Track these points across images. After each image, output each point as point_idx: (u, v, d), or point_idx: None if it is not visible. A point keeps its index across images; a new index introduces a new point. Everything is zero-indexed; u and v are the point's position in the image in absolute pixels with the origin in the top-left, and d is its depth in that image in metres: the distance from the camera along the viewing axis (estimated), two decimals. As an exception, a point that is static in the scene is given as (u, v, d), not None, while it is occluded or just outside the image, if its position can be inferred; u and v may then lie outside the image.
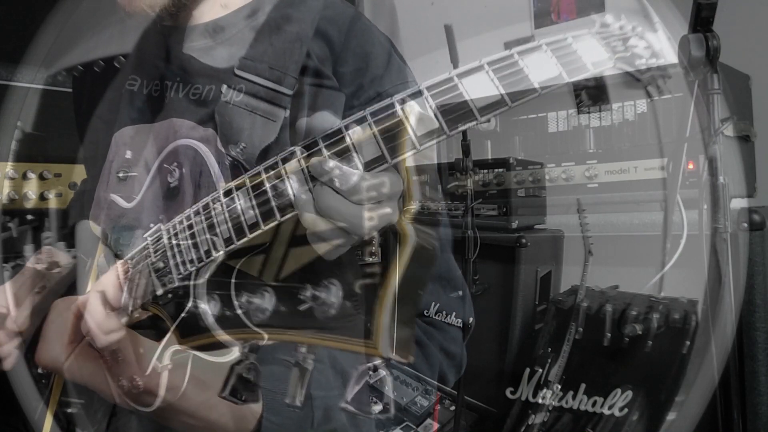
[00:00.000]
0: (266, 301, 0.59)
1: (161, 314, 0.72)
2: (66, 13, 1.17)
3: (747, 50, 1.91)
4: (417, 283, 0.53)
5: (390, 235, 0.53)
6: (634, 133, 1.93)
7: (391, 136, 0.56)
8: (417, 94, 0.56)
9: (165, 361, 0.73)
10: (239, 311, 0.61)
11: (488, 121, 2.14)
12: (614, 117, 1.96)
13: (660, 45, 0.58)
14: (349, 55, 0.97)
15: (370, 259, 0.53)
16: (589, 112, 1.99)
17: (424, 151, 0.56)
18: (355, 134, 0.57)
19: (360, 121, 0.57)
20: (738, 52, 1.72)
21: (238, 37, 0.98)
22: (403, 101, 0.56)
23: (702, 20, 1.30)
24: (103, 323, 0.80)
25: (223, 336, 0.63)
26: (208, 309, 0.64)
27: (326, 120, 0.58)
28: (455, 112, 0.55)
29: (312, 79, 0.95)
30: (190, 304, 0.65)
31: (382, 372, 0.57)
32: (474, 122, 0.55)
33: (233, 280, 0.63)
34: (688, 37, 1.31)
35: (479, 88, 0.55)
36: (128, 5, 0.94)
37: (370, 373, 0.57)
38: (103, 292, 0.81)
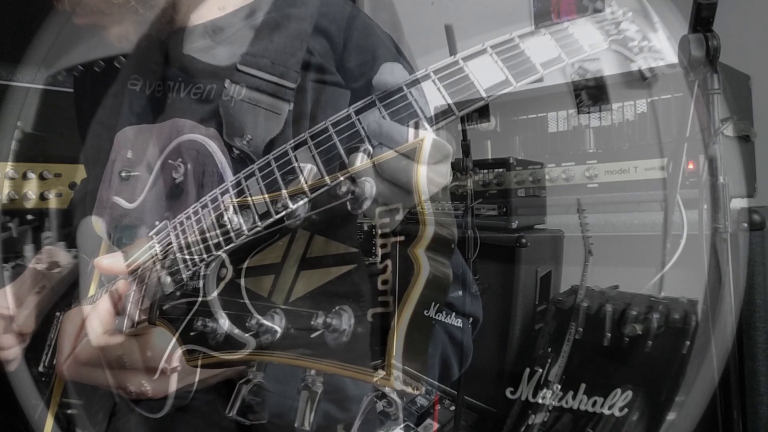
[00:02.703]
0: (276, 324, 0.59)
1: (168, 329, 0.71)
2: (66, 13, 1.17)
3: (747, 50, 1.91)
4: (429, 314, 0.52)
5: (402, 264, 0.53)
6: (634, 133, 1.94)
7: (401, 120, 0.57)
8: (425, 78, 0.57)
9: (174, 363, 0.73)
10: (247, 332, 0.60)
11: (489, 120, 2.13)
12: (614, 117, 1.96)
13: (651, 30, 0.60)
14: (352, 49, 0.98)
15: (382, 287, 0.53)
16: (589, 112, 2.00)
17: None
18: (365, 119, 0.57)
19: (369, 106, 0.58)
20: (738, 52, 1.72)
21: (237, 36, 0.99)
22: (410, 85, 0.57)
23: (702, 20, 1.30)
24: (109, 324, 0.80)
25: (228, 356, 0.62)
26: (216, 327, 0.63)
27: (395, 72, 0.59)
28: (463, 93, 0.57)
29: (314, 75, 0.95)
30: (198, 323, 0.65)
31: (391, 400, 0.56)
32: (482, 102, 0.57)
33: (242, 300, 0.63)
34: (688, 37, 1.31)
35: (484, 69, 0.57)
36: (105, 35, 0.95)
37: (377, 401, 0.57)
38: (113, 292, 0.81)
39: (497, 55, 0.57)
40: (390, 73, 0.57)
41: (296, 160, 0.60)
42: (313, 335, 0.55)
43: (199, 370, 0.67)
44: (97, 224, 0.99)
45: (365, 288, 0.53)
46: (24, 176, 1.71)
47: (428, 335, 0.52)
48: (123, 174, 0.97)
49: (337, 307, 0.54)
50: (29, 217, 1.68)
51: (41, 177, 1.73)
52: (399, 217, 0.52)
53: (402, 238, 0.52)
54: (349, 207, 0.55)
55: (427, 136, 0.54)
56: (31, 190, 1.72)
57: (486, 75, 0.57)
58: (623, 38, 0.59)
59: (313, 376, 0.57)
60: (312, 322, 0.54)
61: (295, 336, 0.57)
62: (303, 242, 0.59)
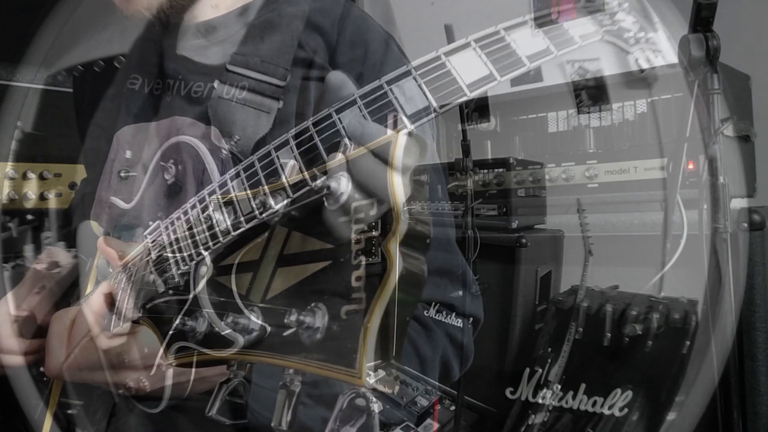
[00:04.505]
0: (252, 322, 0.58)
1: (150, 327, 0.71)
2: (66, 13, 1.17)
3: (747, 50, 1.91)
4: (404, 311, 0.51)
5: (376, 260, 0.52)
6: (634, 133, 1.94)
7: (382, 117, 0.56)
8: (405, 74, 0.56)
9: (170, 358, 0.73)
10: (226, 330, 0.60)
11: (489, 120, 2.12)
12: (614, 117, 1.96)
13: (651, 30, 0.58)
14: (344, 44, 0.97)
15: (356, 284, 0.52)
16: (589, 112, 1.99)
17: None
18: (346, 118, 0.57)
19: (350, 105, 0.57)
20: (738, 52, 1.72)
21: (230, 36, 0.99)
22: (390, 82, 0.56)
23: (702, 20, 1.30)
24: (100, 324, 0.80)
25: (211, 354, 0.62)
26: (195, 325, 0.63)
27: (340, 80, 0.58)
28: (445, 89, 0.55)
29: (308, 71, 0.95)
30: (177, 321, 0.65)
31: (371, 402, 0.56)
32: (464, 98, 0.55)
33: (221, 298, 0.62)
34: (688, 37, 1.31)
35: (467, 64, 0.55)
36: (125, 8, 0.94)
37: (356, 401, 0.56)
38: (106, 294, 0.81)
39: (481, 48, 0.55)
40: (332, 85, 0.56)
41: (278, 160, 0.60)
42: (286, 333, 0.54)
43: (194, 367, 0.67)
44: (95, 224, 0.99)
45: (340, 285, 0.52)
46: (24, 176, 1.71)
47: (403, 331, 0.51)
48: (122, 174, 0.97)
49: (311, 305, 0.53)
50: (29, 217, 1.68)
51: (41, 177, 1.73)
52: (373, 212, 0.52)
53: (376, 233, 0.51)
54: (325, 202, 0.54)
55: (402, 131, 0.53)
56: (31, 190, 1.71)
57: (469, 70, 0.55)
58: (618, 29, 0.57)
59: (292, 375, 0.57)
60: (285, 320, 0.54)
61: (271, 334, 0.56)
62: (280, 239, 0.58)
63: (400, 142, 0.53)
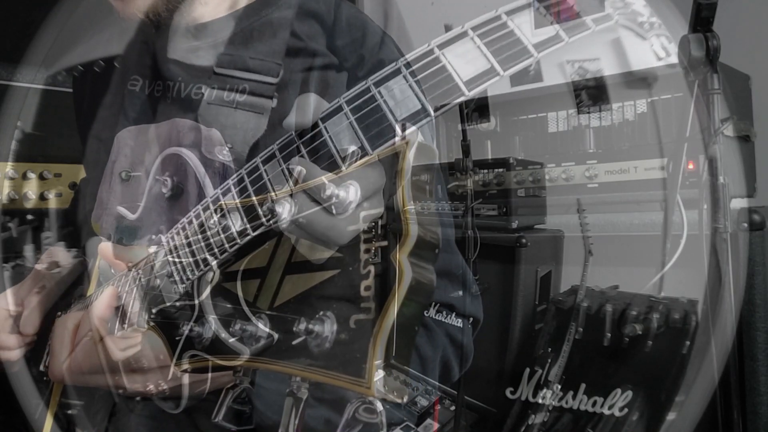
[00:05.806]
0: (259, 329, 0.58)
1: (156, 333, 0.70)
2: (66, 13, 1.17)
3: (747, 50, 1.91)
4: (413, 321, 0.50)
5: (385, 269, 0.50)
6: (634, 133, 1.93)
7: (370, 124, 0.50)
8: (395, 73, 0.50)
9: (184, 365, 0.72)
10: (231, 337, 0.59)
11: (489, 120, 2.12)
12: (614, 117, 1.96)
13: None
14: (342, 27, 0.95)
15: (365, 294, 0.51)
16: (589, 112, 1.99)
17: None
18: (333, 126, 0.52)
19: (336, 111, 0.52)
20: (738, 52, 1.72)
21: (220, 33, 0.96)
22: (379, 83, 0.50)
23: (702, 20, 1.30)
24: (104, 329, 0.80)
25: (216, 361, 0.61)
26: (201, 331, 0.62)
27: (312, 104, 0.55)
28: (440, 88, 0.48)
29: (306, 60, 0.91)
30: (184, 327, 0.64)
31: (376, 408, 0.55)
32: (462, 97, 0.48)
33: (228, 305, 0.62)
34: (688, 37, 1.31)
35: (465, 57, 0.48)
36: (122, 10, 0.93)
37: (361, 411, 0.56)
38: (111, 298, 0.81)
39: (480, 38, 0.48)
40: (301, 110, 0.53)
41: (267, 175, 0.56)
42: (295, 341, 0.53)
43: (188, 373, 0.66)
44: (96, 225, 0.99)
45: (349, 294, 0.51)
46: (24, 176, 1.71)
47: (411, 341, 0.49)
48: (123, 175, 0.96)
49: (320, 313, 0.52)
50: (29, 217, 1.68)
51: (41, 177, 1.73)
52: (381, 221, 0.49)
53: (385, 243, 0.49)
54: (333, 211, 0.52)
55: (411, 138, 0.48)
56: (31, 190, 1.71)
57: (466, 64, 0.48)
58: (631, 12, 0.50)
59: (299, 382, 0.56)
60: (294, 329, 0.53)
61: (279, 342, 0.55)
62: (288, 246, 0.57)
63: (408, 153, 0.48)
